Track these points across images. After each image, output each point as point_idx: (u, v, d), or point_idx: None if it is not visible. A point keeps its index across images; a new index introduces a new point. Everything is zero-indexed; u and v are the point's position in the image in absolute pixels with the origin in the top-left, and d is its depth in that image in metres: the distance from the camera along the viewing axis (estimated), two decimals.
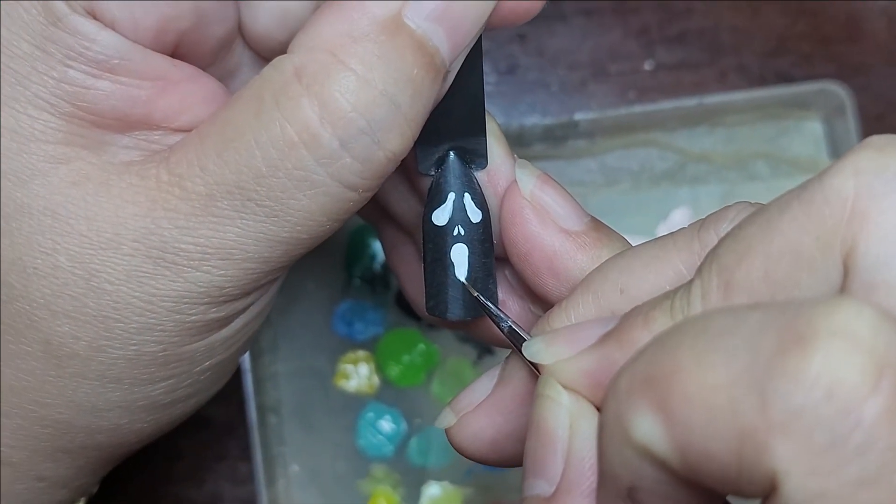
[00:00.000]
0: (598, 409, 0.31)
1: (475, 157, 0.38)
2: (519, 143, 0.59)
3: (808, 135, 0.61)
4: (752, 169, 0.60)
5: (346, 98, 0.32)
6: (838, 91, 0.59)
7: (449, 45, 0.34)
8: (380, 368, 0.58)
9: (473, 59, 0.36)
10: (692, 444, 0.25)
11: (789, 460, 0.23)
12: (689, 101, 0.59)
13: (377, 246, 0.59)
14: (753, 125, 0.61)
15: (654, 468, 0.26)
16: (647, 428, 0.26)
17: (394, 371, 0.58)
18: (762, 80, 0.62)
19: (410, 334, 0.59)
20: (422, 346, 0.58)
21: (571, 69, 0.62)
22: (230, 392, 0.56)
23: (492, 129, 0.38)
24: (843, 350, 0.23)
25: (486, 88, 0.38)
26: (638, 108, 0.59)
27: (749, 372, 0.24)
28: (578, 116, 0.59)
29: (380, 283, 0.59)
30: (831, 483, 0.23)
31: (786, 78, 0.62)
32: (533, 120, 0.59)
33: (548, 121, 0.59)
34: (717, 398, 0.24)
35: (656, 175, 0.60)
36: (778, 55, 0.62)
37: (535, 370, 0.33)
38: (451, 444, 0.38)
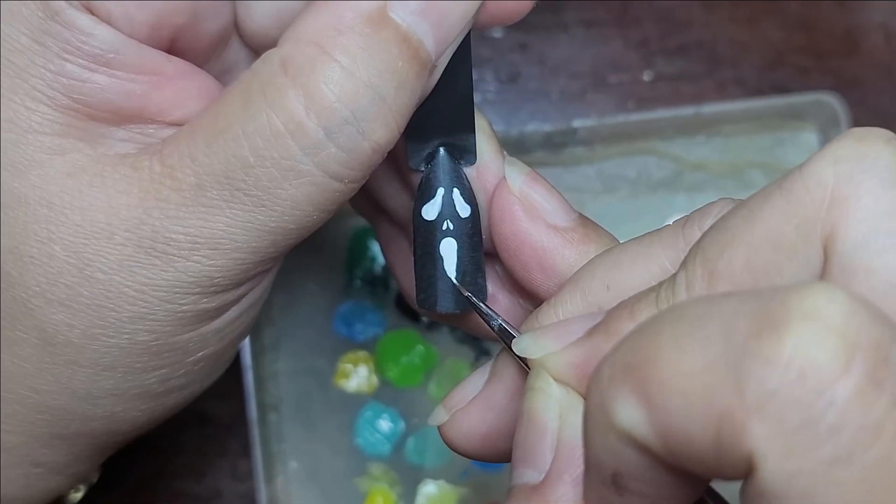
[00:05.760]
0: None
1: (464, 153, 0.39)
2: (519, 149, 0.59)
3: (804, 145, 0.61)
4: (748, 178, 0.60)
5: (330, 89, 0.33)
6: (833, 102, 0.59)
7: (434, 40, 0.34)
8: (379, 369, 0.58)
9: (462, 57, 0.36)
10: (672, 428, 0.25)
11: (765, 441, 0.24)
12: (687, 111, 0.59)
13: (377, 248, 0.59)
14: (750, 135, 0.61)
15: (636, 453, 0.27)
16: (629, 414, 0.26)
17: (392, 371, 0.58)
18: (759, 93, 0.62)
19: (409, 336, 0.59)
20: (420, 348, 0.59)
21: (572, 78, 0.62)
22: (231, 390, 0.56)
23: (481, 126, 0.39)
24: (816, 333, 0.23)
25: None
26: (636, 117, 0.60)
27: (724, 356, 0.24)
28: (577, 124, 0.59)
29: (380, 285, 0.59)
30: (806, 463, 0.23)
31: (783, 91, 0.62)
32: (533, 127, 0.59)
33: (547, 128, 0.59)
34: (693, 383, 0.25)
35: (653, 183, 0.61)
36: (775, 68, 0.63)
37: (524, 366, 0.34)
38: (443, 440, 0.38)
